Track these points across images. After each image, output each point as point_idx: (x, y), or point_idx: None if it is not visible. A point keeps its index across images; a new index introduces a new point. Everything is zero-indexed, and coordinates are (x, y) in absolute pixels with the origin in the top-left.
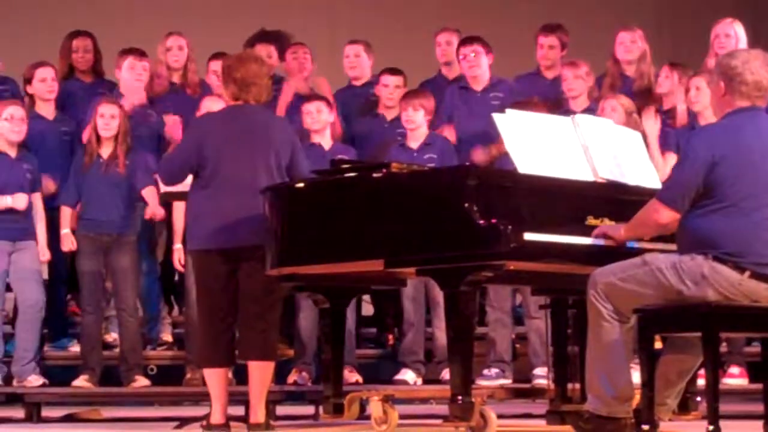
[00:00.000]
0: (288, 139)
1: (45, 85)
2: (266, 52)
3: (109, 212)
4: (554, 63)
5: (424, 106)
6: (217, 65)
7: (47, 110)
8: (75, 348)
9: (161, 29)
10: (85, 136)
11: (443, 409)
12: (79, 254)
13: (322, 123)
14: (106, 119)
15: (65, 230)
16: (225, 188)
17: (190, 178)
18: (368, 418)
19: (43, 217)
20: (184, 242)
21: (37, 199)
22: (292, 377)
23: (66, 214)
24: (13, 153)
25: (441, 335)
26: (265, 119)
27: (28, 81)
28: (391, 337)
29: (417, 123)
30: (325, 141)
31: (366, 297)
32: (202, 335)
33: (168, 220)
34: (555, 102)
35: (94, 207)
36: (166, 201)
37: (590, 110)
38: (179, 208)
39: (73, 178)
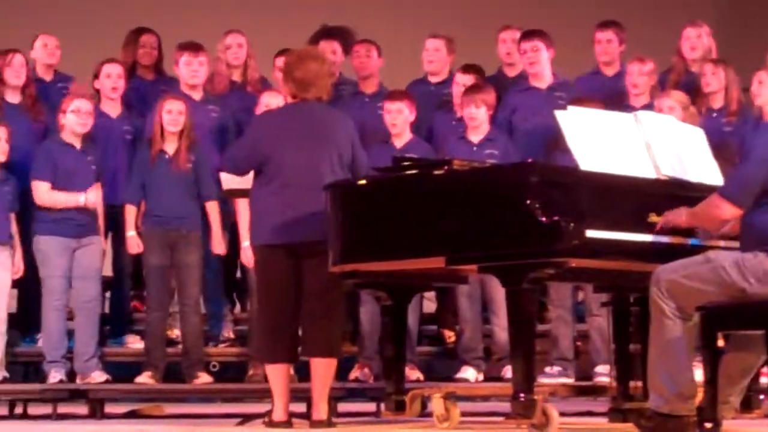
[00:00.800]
0: (349, 135)
1: (110, 81)
2: (330, 48)
3: (174, 208)
4: (612, 59)
5: (486, 102)
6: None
7: (112, 107)
8: (135, 344)
9: (224, 26)
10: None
11: (504, 406)
12: (145, 250)
13: (401, 124)
14: (174, 115)
15: (131, 233)
16: (287, 184)
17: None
18: (430, 415)
19: (103, 211)
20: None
21: (99, 192)
22: (353, 374)
23: (131, 212)
24: (78, 144)
25: (500, 332)
26: (326, 116)
27: (96, 76)
28: (451, 334)
29: (479, 119)
30: (401, 139)
31: (427, 294)
32: (264, 331)
33: (231, 217)
34: (615, 98)
35: (160, 203)
36: (228, 198)
37: (649, 107)
38: (243, 204)
39: (137, 175)
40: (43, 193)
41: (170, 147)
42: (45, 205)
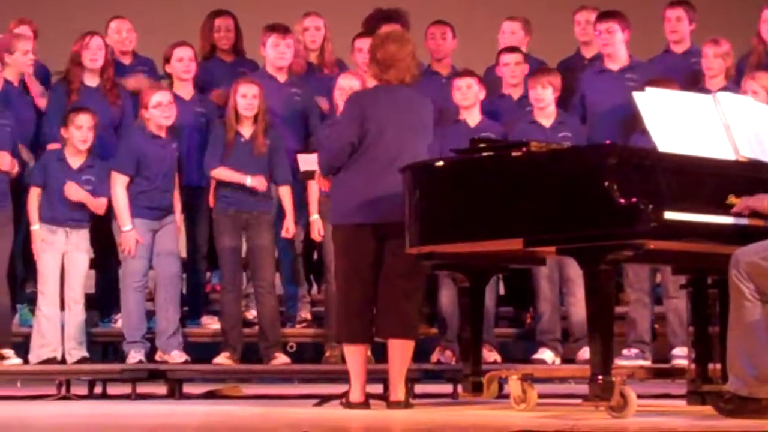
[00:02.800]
0: (431, 117)
1: (182, 64)
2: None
3: (248, 190)
4: (682, 37)
5: (552, 84)
6: (362, 43)
7: (184, 90)
8: (212, 325)
9: (300, 8)
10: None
11: (582, 388)
12: (219, 232)
13: (471, 99)
14: (248, 99)
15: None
16: (375, 165)
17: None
18: (507, 397)
19: (178, 196)
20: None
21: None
22: (435, 356)
23: (223, 173)
24: (163, 135)
25: (577, 313)
26: (411, 98)
27: (167, 60)
28: (528, 315)
29: (546, 101)
30: (473, 118)
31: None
32: (343, 311)
33: (303, 196)
34: (691, 79)
35: (234, 185)
36: (305, 179)
37: (726, 90)
38: (313, 183)
39: (216, 146)
40: (120, 185)
41: (246, 130)
42: (120, 197)
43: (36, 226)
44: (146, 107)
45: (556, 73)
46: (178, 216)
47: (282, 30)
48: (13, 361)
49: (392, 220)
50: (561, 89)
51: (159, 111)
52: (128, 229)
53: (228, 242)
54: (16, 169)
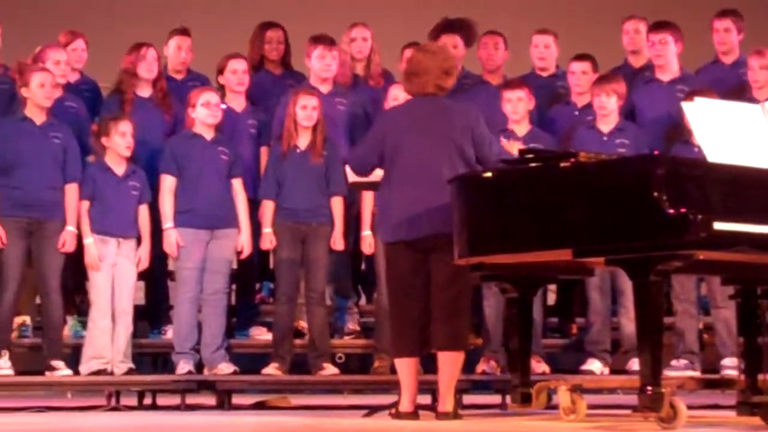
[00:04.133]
0: (468, 126)
1: (236, 76)
2: (452, 42)
3: (306, 201)
4: (731, 47)
5: (617, 92)
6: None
7: (237, 102)
8: (262, 336)
9: (348, 19)
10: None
11: (631, 399)
12: (277, 243)
13: (521, 113)
14: (308, 110)
15: (267, 229)
16: (406, 180)
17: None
18: (556, 407)
19: (246, 206)
20: (372, 229)
21: (239, 185)
22: (481, 366)
23: (268, 208)
24: (209, 136)
25: (627, 325)
26: (441, 108)
27: (221, 71)
28: (574, 326)
29: (609, 109)
30: (521, 127)
31: (550, 286)
32: (392, 325)
33: (357, 209)
34: (738, 90)
35: (292, 197)
36: (355, 190)
37: None
38: (367, 196)
39: (271, 170)
40: (167, 187)
41: (303, 141)
42: (166, 197)
43: (89, 239)
44: (193, 106)
45: (622, 82)
46: (245, 229)
47: (327, 41)
48: (64, 372)
49: (430, 234)
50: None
51: (206, 110)
52: (169, 227)
53: (286, 254)
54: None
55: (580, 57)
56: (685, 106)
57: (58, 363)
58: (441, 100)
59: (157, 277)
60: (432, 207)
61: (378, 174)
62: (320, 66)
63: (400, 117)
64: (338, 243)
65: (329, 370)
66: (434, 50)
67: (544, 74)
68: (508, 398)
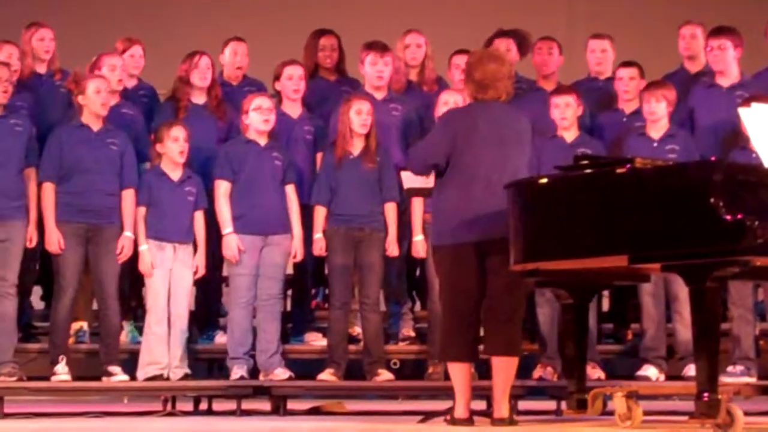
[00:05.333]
0: (529, 134)
1: (292, 83)
2: (505, 45)
3: (360, 207)
4: None
5: (667, 98)
6: (459, 60)
7: (292, 108)
8: (316, 342)
9: (402, 26)
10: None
11: (687, 405)
12: (330, 249)
13: (570, 119)
14: (362, 116)
15: (319, 234)
16: (472, 182)
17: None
18: (611, 414)
19: (298, 211)
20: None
21: (292, 191)
22: (537, 373)
23: (321, 214)
24: (262, 142)
25: (683, 331)
26: (508, 115)
27: (277, 78)
28: (629, 332)
29: (659, 114)
30: (570, 133)
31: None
32: (447, 329)
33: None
34: None
35: (346, 203)
36: (409, 197)
37: None
38: (418, 202)
39: (324, 176)
40: (223, 192)
41: (356, 147)
42: (222, 203)
43: (144, 246)
44: (246, 112)
45: (672, 88)
46: (297, 234)
47: (380, 48)
48: (121, 377)
49: (493, 237)
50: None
51: (258, 114)
52: (228, 232)
53: (339, 259)
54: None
55: (627, 63)
56: (742, 111)
57: (115, 368)
58: (508, 107)
59: (209, 282)
60: (496, 211)
61: (431, 180)
62: (373, 72)
63: (473, 121)
64: (392, 249)
65: (384, 375)
66: (503, 58)
67: (601, 78)
68: (563, 404)
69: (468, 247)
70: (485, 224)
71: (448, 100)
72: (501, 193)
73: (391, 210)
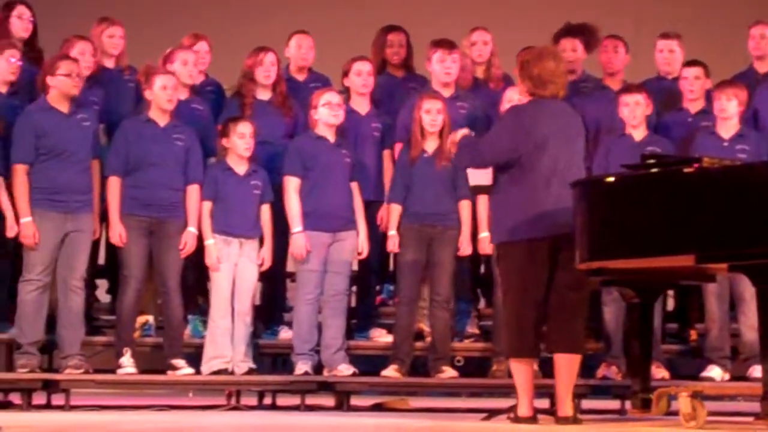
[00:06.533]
0: (583, 131)
1: (360, 78)
2: (571, 45)
3: (433, 205)
4: None
5: (738, 97)
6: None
7: (361, 105)
8: (381, 338)
9: (469, 23)
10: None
11: (752, 406)
12: (402, 246)
13: (639, 117)
14: (433, 114)
15: (392, 232)
16: (542, 178)
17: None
18: (676, 414)
19: (362, 208)
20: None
21: (356, 188)
22: (601, 372)
23: (396, 212)
24: (332, 138)
25: (747, 332)
26: (565, 111)
27: (345, 74)
28: (693, 332)
29: (729, 113)
30: (638, 132)
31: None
32: (511, 326)
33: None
34: None
35: (420, 200)
36: (474, 194)
37: None
38: (483, 199)
39: (399, 175)
40: (293, 188)
41: (430, 146)
42: (292, 200)
43: (210, 241)
44: (315, 107)
45: (743, 87)
46: (362, 231)
47: (447, 45)
48: (185, 371)
49: (563, 232)
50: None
51: (328, 109)
52: (298, 231)
53: (411, 256)
54: None
55: (692, 63)
56: None
57: (179, 362)
58: (564, 103)
59: (275, 277)
60: (563, 207)
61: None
62: (441, 70)
63: (539, 117)
64: (465, 247)
65: (448, 373)
66: (560, 55)
67: (669, 78)
68: (627, 404)
69: (540, 242)
70: (555, 219)
71: (514, 98)
72: (566, 189)
73: (465, 208)
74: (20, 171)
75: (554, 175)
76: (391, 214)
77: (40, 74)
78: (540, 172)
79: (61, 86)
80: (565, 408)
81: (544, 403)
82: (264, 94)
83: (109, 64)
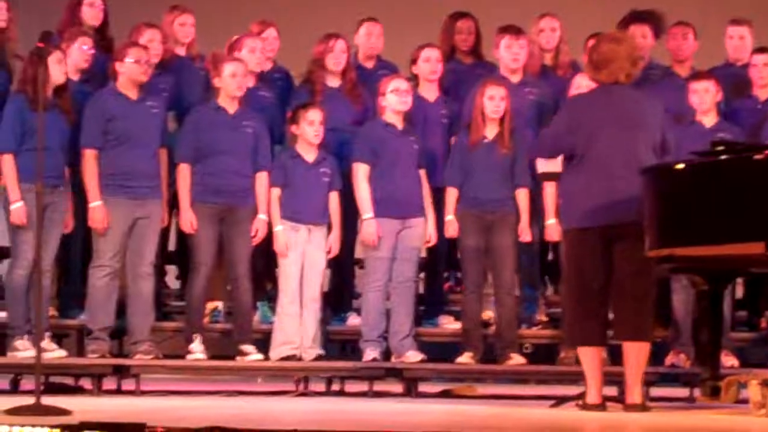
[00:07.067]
0: (658, 118)
1: (429, 65)
2: (640, 32)
3: (492, 191)
4: None
5: None
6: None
7: (429, 92)
8: (449, 325)
9: (537, 10)
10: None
11: None
12: (462, 231)
13: (708, 104)
14: (495, 101)
15: (450, 216)
16: (594, 167)
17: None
18: (745, 402)
19: (430, 195)
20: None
21: (423, 174)
22: (670, 359)
23: (452, 195)
24: (400, 125)
25: None
26: (633, 98)
27: (414, 61)
28: (763, 320)
29: None
30: (709, 119)
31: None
32: (573, 313)
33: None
34: None
35: (479, 186)
36: (542, 180)
37: None
38: (550, 186)
39: (458, 158)
40: (362, 175)
41: (490, 132)
42: (362, 187)
43: (279, 227)
44: (383, 94)
45: None
46: (430, 218)
47: (515, 31)
48: (254, 357)
49: (618, 222)
50: None
51: (396, 96)
52: (369, 217)
53: (472, 241)
54: None
55: (762, 49)
56: None
57: (248, 348)
58: (630, 89)
59: (343, 264)
60: (626, 196)
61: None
62: (509, 56)
63: (594, 105)
64: (525, 234)
65: (516, 360)
66: (622, 38)
67: (738, 65)
68: (696, 391)
69: (592, 231)
70: (612, 209)
71: (582, 84)
72: (627, 177)
73: (523, 196)
74: (89, 156)
75: (606, 162)
76: (448, 198)
77: (110, 61)
78: (592, 161)
79: (130, 72)
80: (634, 395)
81: (612, 391)
82: (333, 81)
83: (180, 51)
